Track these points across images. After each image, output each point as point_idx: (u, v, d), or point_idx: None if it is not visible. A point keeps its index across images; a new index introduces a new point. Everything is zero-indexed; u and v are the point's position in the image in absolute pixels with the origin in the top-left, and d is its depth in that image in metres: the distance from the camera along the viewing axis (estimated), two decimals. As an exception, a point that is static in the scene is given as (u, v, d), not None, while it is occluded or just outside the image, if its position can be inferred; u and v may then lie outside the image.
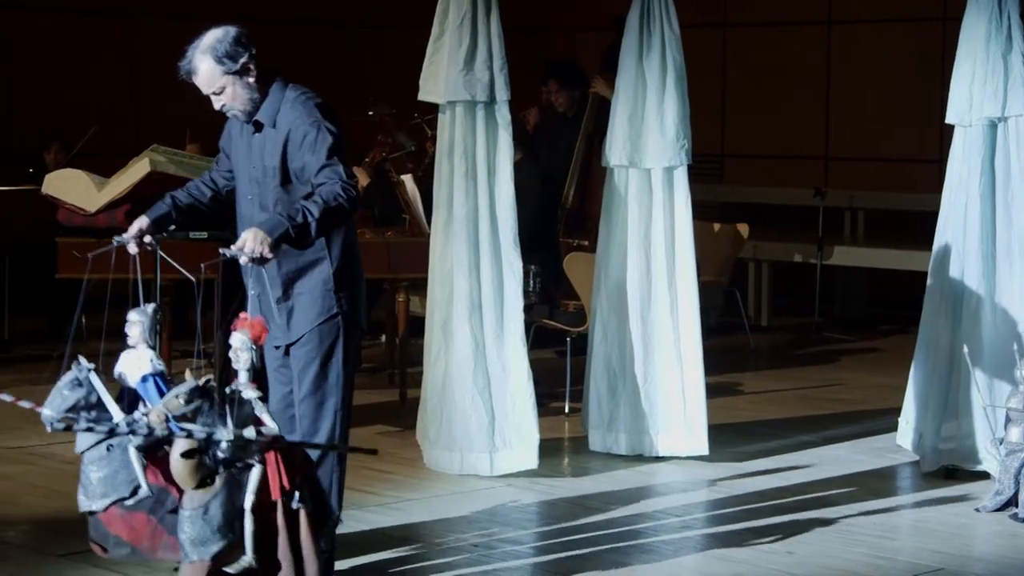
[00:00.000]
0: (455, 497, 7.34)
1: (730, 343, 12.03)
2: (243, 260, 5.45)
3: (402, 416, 8.86)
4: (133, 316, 5.52)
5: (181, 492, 5.38)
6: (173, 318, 9.28)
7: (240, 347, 5.21)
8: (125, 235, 5.81)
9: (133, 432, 5.25)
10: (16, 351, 10.94)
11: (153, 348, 5.52)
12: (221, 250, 5.48)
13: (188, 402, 5.07)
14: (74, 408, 5.33)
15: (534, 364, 7.90)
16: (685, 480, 7.79)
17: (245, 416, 5.14)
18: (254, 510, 5.16)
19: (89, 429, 5.29)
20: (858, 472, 7.92)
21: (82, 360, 5.41)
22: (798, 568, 6.25)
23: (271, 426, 5.18)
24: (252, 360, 5.21)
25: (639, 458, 8.11)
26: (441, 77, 7.73)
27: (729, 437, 8.55)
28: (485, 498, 7.31)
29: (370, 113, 11.35)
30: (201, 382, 5.12)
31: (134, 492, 5.43)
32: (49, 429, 5.33)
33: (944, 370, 7.75)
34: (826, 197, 12.70)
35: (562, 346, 9.85)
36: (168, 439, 5.21)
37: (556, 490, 7.54)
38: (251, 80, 5.79)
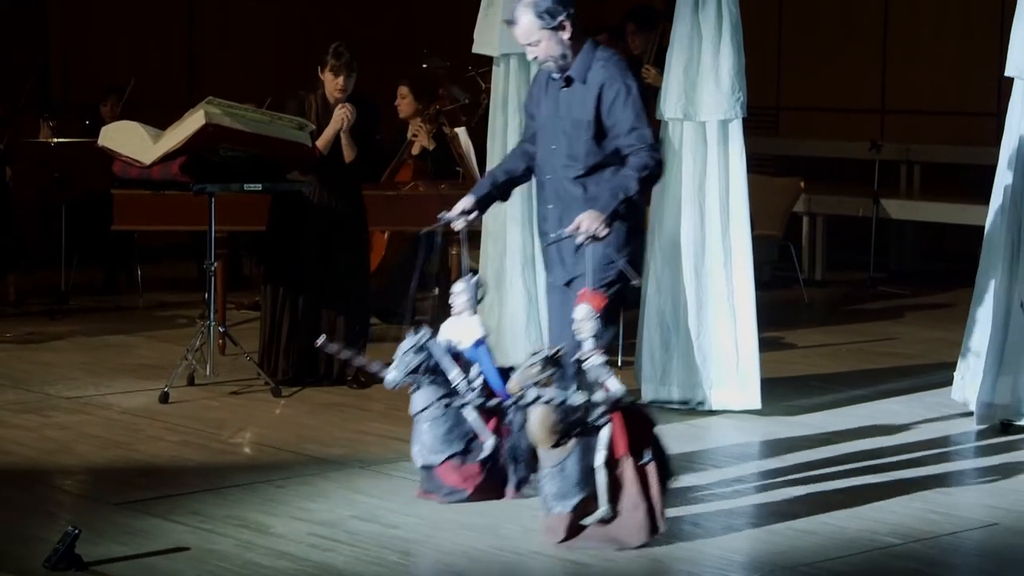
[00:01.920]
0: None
1: (784, 297, 11.99)
2: (580, 239, 5.92)
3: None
4: (458, 287, 6.21)
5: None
6: (227, 270, 9.31)
7: (584, 317, 5.75)
8: (449, 214, 6.28)
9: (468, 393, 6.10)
10: (73, 302, 11.01)
11: (476, 314, 6.20)
12: (556, 233, 6.06)
13: (543, 370, 5.70)
14: (416, 371, 6.13)
15: (587, 317, 7.89)
16: (738, 434, 7.78)
17: (592, 381, 5.70)
18: (607, 465, 5.68)
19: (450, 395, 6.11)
20: (912, 426, 7.89)
21: (425, 328, 6.09)
22: (852, 522, 6.24)
23: (615, 389, 5.69)
24: (596, 328, 5.72)
25: (692, 412, 8.10)
26: (496, 30, 7.71)
27: (782, 391, 8.53)
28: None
29: (424, 66, 11.32)
30: (551, 352, 5.74)
31: (466, 446, 6.20)
32: (391, 388, 6.19)
33: (1000, 325, 7.71)
34: (882, 150, 12.62)
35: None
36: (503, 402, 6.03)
37: (609, 443, 7.53)
38: (565, 37, 6.15)
